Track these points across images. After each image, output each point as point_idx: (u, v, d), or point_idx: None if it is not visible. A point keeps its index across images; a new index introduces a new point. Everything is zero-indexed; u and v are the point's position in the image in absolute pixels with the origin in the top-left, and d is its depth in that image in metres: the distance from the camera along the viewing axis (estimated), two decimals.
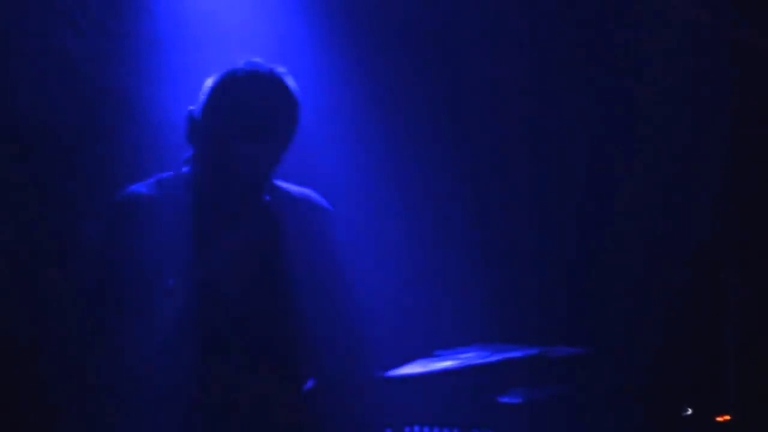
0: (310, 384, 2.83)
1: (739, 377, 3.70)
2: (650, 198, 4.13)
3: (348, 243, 2.87)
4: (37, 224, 3.45)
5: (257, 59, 2.74)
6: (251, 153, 2.64)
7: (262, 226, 2.75)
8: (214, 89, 2.69)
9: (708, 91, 4.04)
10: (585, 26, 4.21)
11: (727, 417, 3.48)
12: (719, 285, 3.84)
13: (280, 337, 2.73)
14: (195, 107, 2.72)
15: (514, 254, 4.23)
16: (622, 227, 4.15)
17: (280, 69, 2.73)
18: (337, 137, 4.20)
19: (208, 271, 2.66)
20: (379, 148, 4.22)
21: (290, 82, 2.72)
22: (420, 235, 4.23)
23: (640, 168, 4.17)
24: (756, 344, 3.83)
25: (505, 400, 3.09)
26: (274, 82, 2.70)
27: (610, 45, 4.17)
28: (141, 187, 2.75)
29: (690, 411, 3.43)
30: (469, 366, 3.17)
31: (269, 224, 2.76)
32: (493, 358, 3.20)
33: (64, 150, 3.60)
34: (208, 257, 2.67)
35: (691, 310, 3.99)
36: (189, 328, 2.60)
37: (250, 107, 2.66)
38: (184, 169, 2.76)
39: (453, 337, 3.73)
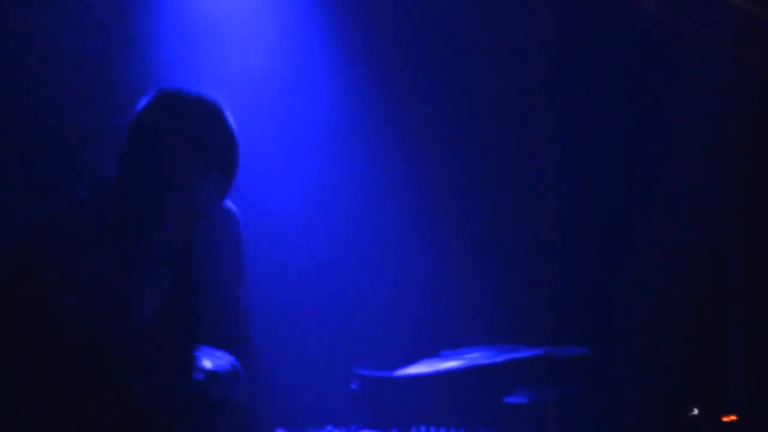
0: None
1: (745, 378, 3.70)
2: (658, 201, 4.12)
3: (251, 244, 2.79)
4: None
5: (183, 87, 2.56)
6: (216, 183, 2.51)
7: (186, 260, 2.59)
8: (173, 116, 2.50)
9: (724, 95, 4.04)
10: (603, 30, 4.21)
11: (734, 417, 3.47)
12: (725, 286, 3.84)
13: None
14: (138, 133, 2.50)
15: (520, 255, 4.22)
16: (629, 229, 4.14)
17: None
18: (352, 139, 4.20)
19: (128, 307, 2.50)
20: (392, 149, 4.22)
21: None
22: (427, 235, 4.22)
23: (649, 171, 4.16)
24: (762, 345, 3.82)
25: (510, 400, 3.08)
26: (225, 109, 2.55)
27: (626, 49, 4.17)
28: (56, 217, 2.51)
29: (696, 411, 3.42)
30: (474, 366, 3.17)
31: (190, 256, 2.60)
32: (499, 359, 3.19)
33: (68, 151, 3.60)
34: (129, 294, 2.50)
35: (697, 310, 3.98)
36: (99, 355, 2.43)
37: (222, 137, 2.51)
38: (95, 197, 2.55)
39: (458, 337, 3.73)
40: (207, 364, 2.51)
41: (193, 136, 2.50)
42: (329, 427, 2.97)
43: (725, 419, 3.47)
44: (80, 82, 3.63)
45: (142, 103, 2.55)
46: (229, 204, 2.69)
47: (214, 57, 3.83)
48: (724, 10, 3.80)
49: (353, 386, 3.22)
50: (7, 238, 3.35)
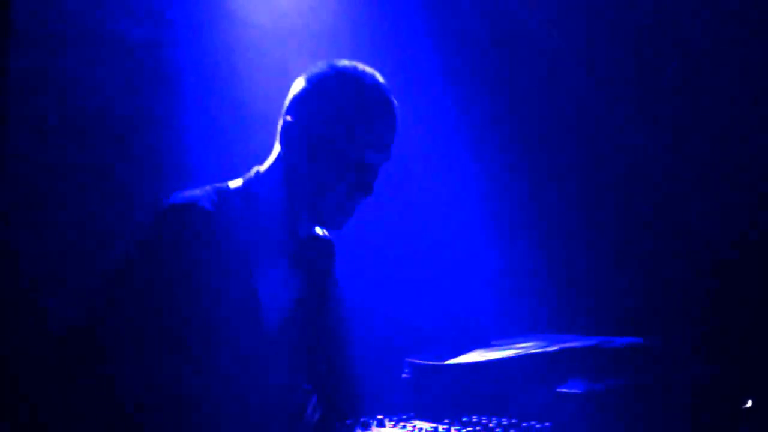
0: None
1: None
2: (712, 192, 4.10)
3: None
4: (93, 211, 3.46)
5: (352, 62, 2.56)
6: (378, 164, 2.51)
7: (314, 258, 2.62)
8: (345, 94, 2.49)
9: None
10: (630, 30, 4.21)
11: None
12: None
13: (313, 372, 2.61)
14: (304, 111, 2.51)
15: (571, 244, 4.22)
16: (683, 219, 4.13)
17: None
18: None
19: (266, 306, 2.48)
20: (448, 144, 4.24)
21: None
22: (479, 225, 4.22)
23: (693, 159, 4.15)
24: None
25: (564, 390, 3.05)
26: (388, 86, 2.55)
27: (652, 48, 4.16)
28: (204, 202, 2.43)
29: (750, 403, 3.39)
30: (527, 355, 3.14)
31: (317, 258, 2.64)
32: (552, 348, 3.16)
33: (120, 136, 3.61)
34: (268, 290, 2.49)
35: (751, 300, 3.96)
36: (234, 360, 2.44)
37: (389, 115, 2.51)
38: (246, 184, 2.55)
39: (510, 326, 3.72)
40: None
41: (382, 110, 2.50)
42: (380, 417, 2.95)
43: None
44: (130, 67, 3.63)
45: (315, 75, 2.52)
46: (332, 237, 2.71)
47: (255, 44, 3.84)
48: None
49: (405, 375, 3.20)
50: (60, 221, 3.39)
